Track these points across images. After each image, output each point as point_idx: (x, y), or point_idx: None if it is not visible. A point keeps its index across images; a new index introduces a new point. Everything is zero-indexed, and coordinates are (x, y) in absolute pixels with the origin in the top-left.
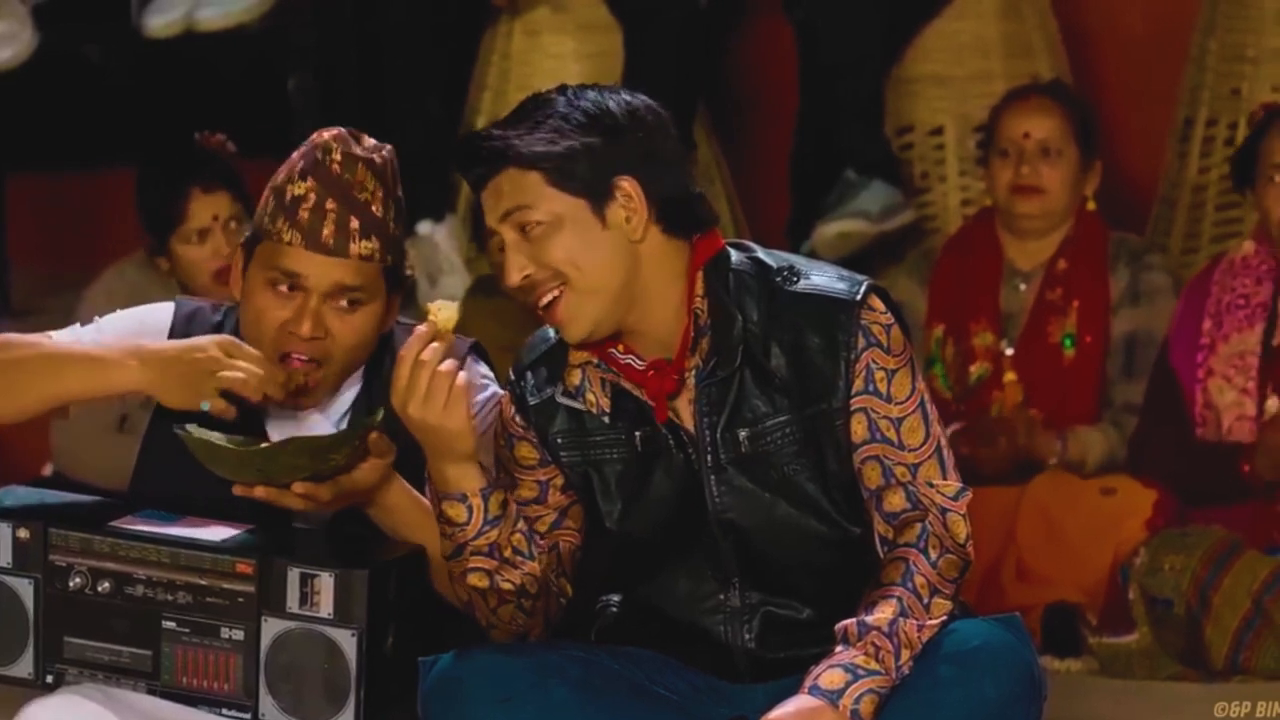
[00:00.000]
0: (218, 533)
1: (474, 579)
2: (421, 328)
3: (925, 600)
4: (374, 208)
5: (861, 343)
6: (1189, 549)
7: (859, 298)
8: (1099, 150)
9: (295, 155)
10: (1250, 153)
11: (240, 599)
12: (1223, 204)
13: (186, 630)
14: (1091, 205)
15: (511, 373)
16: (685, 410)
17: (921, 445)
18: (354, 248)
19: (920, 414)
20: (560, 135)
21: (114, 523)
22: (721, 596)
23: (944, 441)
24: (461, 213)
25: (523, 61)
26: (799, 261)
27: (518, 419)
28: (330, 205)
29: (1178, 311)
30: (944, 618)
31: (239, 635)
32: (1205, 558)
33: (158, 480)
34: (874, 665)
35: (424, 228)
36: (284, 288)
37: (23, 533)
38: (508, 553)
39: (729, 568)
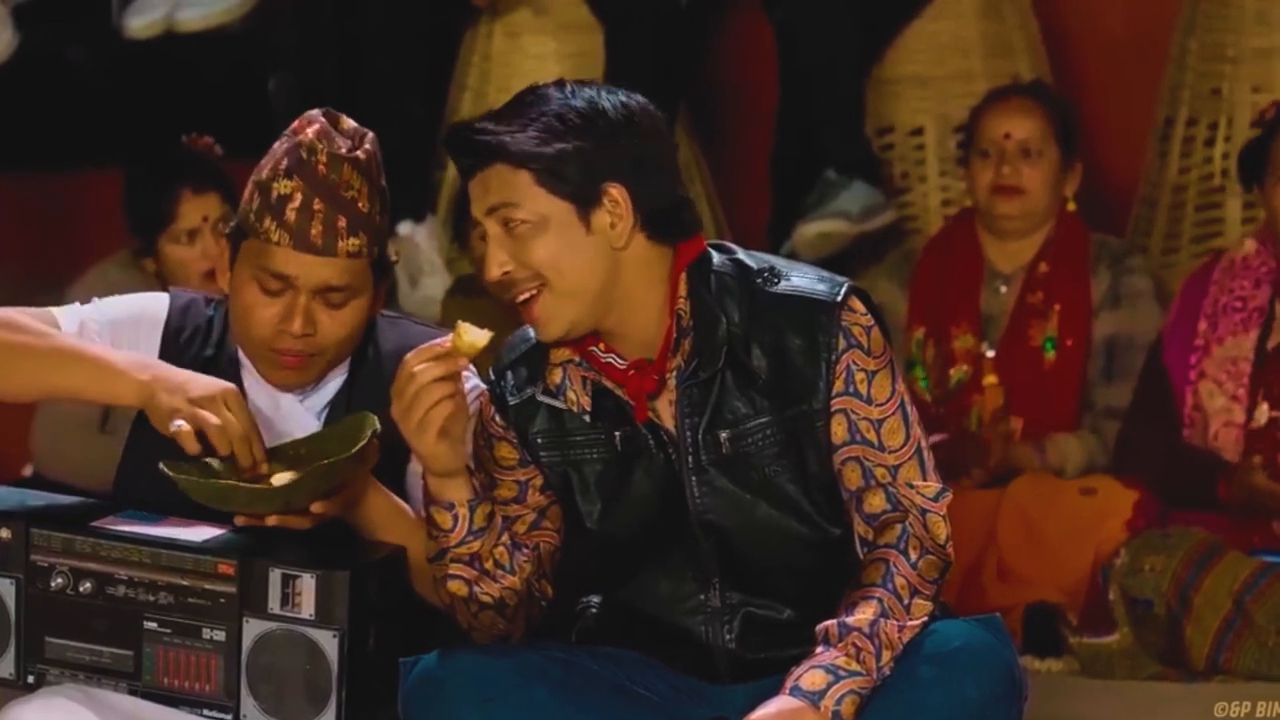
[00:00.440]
0: (199, 533)
1: (454, 586)
2: (443, 341)
3: (906, 601)
4: (360, 204)
5: (842, 344)
6: (1170, 550)
7: (839, 299)
8: (1079, 151)
9: (278, 148)
10: (1261, 150)
11: (222, 600)
12: (1203, 204)
13: (168, 631)
14: (1072, 206)
15: (491, 372)
16: (666, 411)
17: (902, 446)
18: (342, 245)
19: (900, 415)
20: (552, 136)
21: (96, 523)
22: (702, 597)
23: (924, 443)
24: (442, 214)
25: (503, 63)
26: (779, 263)
27: (497, 419)
28: (318, 205)
29: (1174, 309)
30: (925, 618)
31: (220, 636)
32: (1186, 558)
33: (142, 480)
34: (855, 666)
35: (405, 228)
36: (273, 287)
37: (4, 533)
38: (489, 565)
39: (709, 569)
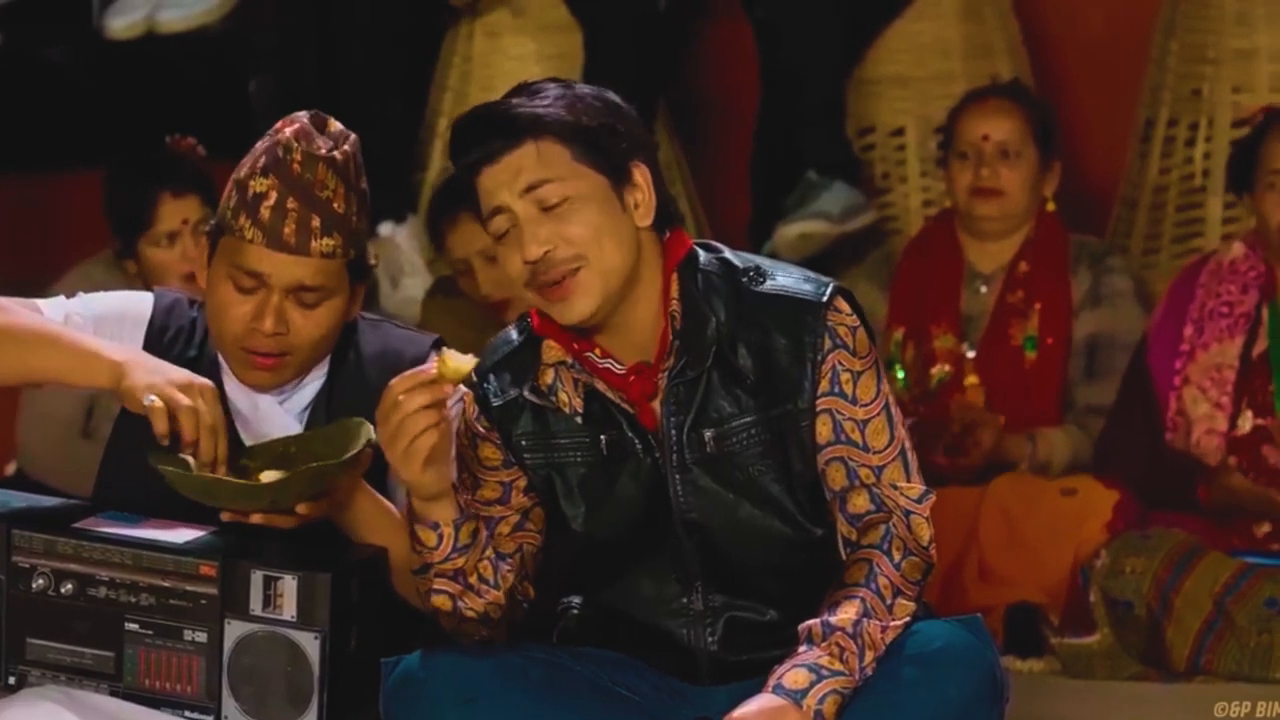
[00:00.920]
0: (181, 535)
1: (438, 600)
2: (428, 368)
3: (889, 602)
4: (335, 204)
5: (828, 344)
6: (1150, 551)
7: (825, 299)
8: (1059, 151)
9: (259, 147)
10: (1249, 156)
11: (203, 601)
12: (1184, 205)
13: (149, 632)
14: (1051, 206)
15: (474, 374)
16: (652, 409)
17: (886, 447)
18: (315, 245)
19: (885, 416)
20: (586, 113)
21: (77, 524)
22: (685, 600)
23: (908, 444)
24: (422, 214)
25: (484, 64)
26: (765, 262)
27: (481, 420)
28: (291, 204)
29: (1159, 310)
30: (907, 619)
31: (202, 637)
32: (1167, 560)
33: (124, 481)
34: (838, 666)
35: (385, 229)
36: (247, 285)
37: None
38: (473, 579)
39: (692, 570)
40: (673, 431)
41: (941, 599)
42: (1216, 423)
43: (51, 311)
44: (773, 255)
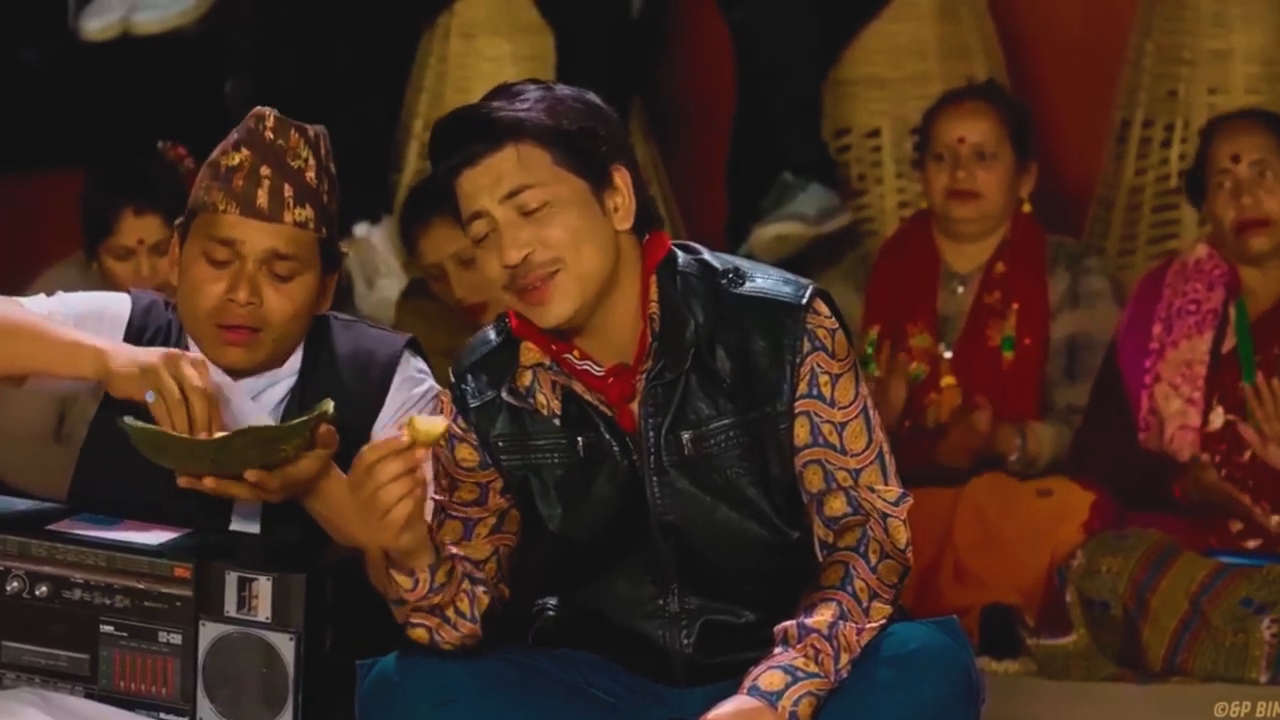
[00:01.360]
0: (156, 536)
1: (415, 633)
2: (401, 436)
3: (864, 604)
4: (308, 175)
5: (807, 346)
6: (1126, 551)
7: (805, 301)
8: (1035, 152)
9: (230, 134)
10: (1199, 166)
11: (178, 603)
12: (1159, 205)
13: (124, 634)
14: (1027, 207)
15: (452, 374)
16: (630, 412)
17: (864, 450)
18: (288, 214)
19: (863, 419)
20: (563, 116)
21: (52, 526)
22: (660, 601)
23: (886, 447)
24: (397, 216)
25: (459, 65)
26: (743, 264)
27: (459, 421)
28: (265, 171)
29: (1127, 312)
30: (883, 621)
31: (176, 639)
32: (1143, 560)
33: (98, 484)
34: (813, 668)
35: (361, 229)
36: (220, 257)
37: None
38: (450, 613)
39: (668, 573)
40: (651, 433)
41: (917, 600)
42: (1189, 418)
43: (33, 308)
44: (749, 257)
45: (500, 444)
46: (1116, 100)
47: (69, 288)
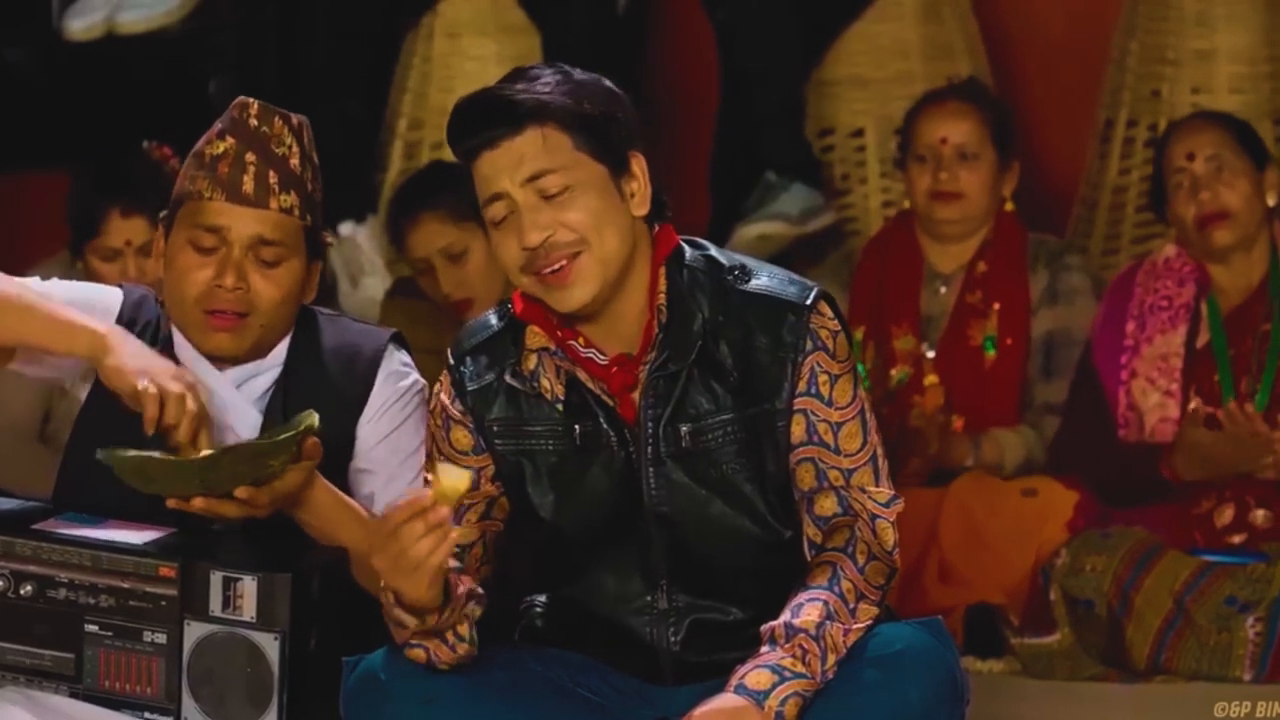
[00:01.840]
0: (141, 536)
1: (413, 653)
2: (422, 494)
3: (851, 605)
4: (292, 162)
5: (809, 345)
6: (1110, 550)
7: (809, 302)
8: (1017, 151)
9: (214, 124)
10: (1158, 176)
11: (163, 602)
12: (1143, 205)
13: (109, 634)
14: (1010, 206)
15: (450, 357)
16: (633, 402)
17: (858, 451)
18: (274, 200)
19: (860, 421)
20: (589, 100)
21: (37, 526)
22: (649, 598)
23: (880, 450)
24: (382, 215)
25: (443, 64)
26: (749, 261)
27: (456, 404)
28: (250, 158)
29: (1100, 312)
30: (870, 622)
31: (161, 639)
32: (1127, 558)
33: (83, 483)
34: (800, 668)
35: (345, 228)
36: (207, 244)
37: None
38: (449, 636)
39: (658, 568)
40: (649, 424)
41: (902, 600)
42: (1169, 410)
43: (34, 287)
44: None
45: (495, 428)
46: (1100, 100)
47: None
